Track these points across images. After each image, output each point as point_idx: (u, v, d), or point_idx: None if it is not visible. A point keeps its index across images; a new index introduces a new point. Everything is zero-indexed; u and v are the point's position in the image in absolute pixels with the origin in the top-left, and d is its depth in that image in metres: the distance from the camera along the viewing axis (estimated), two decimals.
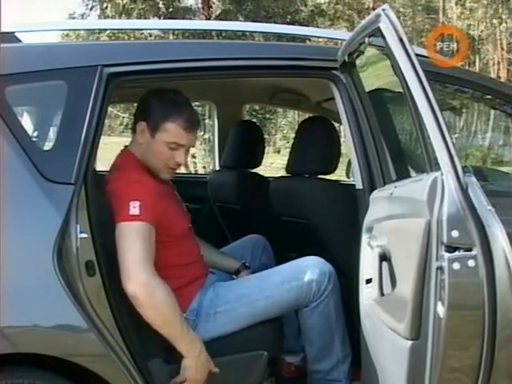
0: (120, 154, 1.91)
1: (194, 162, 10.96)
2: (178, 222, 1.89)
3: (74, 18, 13.09)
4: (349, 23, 16.63)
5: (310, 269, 1.89)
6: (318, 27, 13.56)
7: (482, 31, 17.77)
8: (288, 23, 11.43)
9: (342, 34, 2.18)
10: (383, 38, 1.54)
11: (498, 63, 18.11)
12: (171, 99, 1.83)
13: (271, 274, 1.96)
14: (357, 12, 17.01)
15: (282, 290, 1.87)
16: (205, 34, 8.85)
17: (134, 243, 1.66)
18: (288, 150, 2.52)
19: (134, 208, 1.68)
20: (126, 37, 10.36)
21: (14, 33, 1.78)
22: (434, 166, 1.45)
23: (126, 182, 1.76)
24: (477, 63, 18.94)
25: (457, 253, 1.37)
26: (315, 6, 14.41)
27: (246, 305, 1.86)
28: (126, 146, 1.93)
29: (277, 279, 1.90)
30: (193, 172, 9.88)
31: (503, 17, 16.78)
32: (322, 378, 1.95)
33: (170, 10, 12.18)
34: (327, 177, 2.32)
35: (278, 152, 14.44)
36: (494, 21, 16.92)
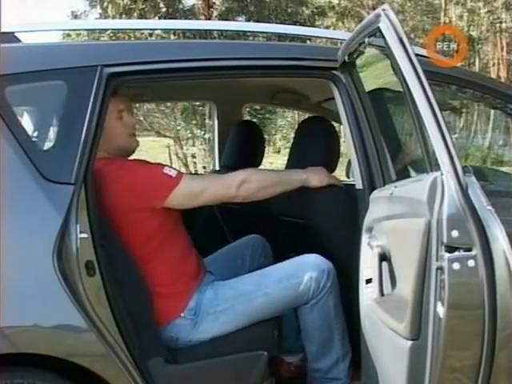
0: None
1: (194, 162, 10.94)
2: None
3: (76, 16, 13.09)
4: (358, 19, 16.38)
5: (309, 266, 1.89)
6: (318, 27, 13.53)
7: (481, 32, 17.74)
8: (289, 23, 11.40)
9: (342, 33, 2.18)
10: (383, 37, 1.54)
11: (498, 63, 18.09)
12: None
13: (270, 272, 1.96)
14: (366, 11, 16.77)
15: (280, 287, 1.88)
16: (205, 34, 8.85)
17: (205, 184, 1.84)
18: (288, 149, 2.52)
19: (170, 171, 1.77)
20: (126, 37, 10.36)
21: (13, 33, 1.78)
22: (434, 166, 1.45)
23: (137, 167, 1.80)
24: (477, 63, 18.91)
25: (457, 253, 1.37)
26: (316, 6, 14.35)
27: (245, 302, 1.86)
28: None
29: (276, 277, 1.91)
30: (193, 172, 9.88)
31: (503, 17, 16.76)
32: (322, 376, 1.95)
33: (171, 10, 12.17)
34: None
35: (278, 152, 14.40)
36: (494, 21, 16.89)
